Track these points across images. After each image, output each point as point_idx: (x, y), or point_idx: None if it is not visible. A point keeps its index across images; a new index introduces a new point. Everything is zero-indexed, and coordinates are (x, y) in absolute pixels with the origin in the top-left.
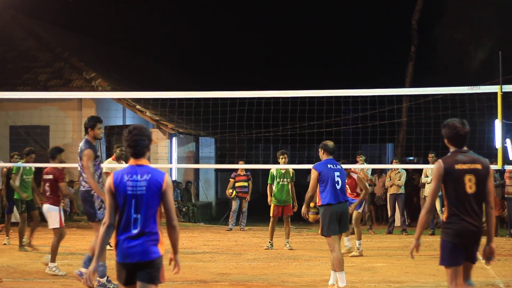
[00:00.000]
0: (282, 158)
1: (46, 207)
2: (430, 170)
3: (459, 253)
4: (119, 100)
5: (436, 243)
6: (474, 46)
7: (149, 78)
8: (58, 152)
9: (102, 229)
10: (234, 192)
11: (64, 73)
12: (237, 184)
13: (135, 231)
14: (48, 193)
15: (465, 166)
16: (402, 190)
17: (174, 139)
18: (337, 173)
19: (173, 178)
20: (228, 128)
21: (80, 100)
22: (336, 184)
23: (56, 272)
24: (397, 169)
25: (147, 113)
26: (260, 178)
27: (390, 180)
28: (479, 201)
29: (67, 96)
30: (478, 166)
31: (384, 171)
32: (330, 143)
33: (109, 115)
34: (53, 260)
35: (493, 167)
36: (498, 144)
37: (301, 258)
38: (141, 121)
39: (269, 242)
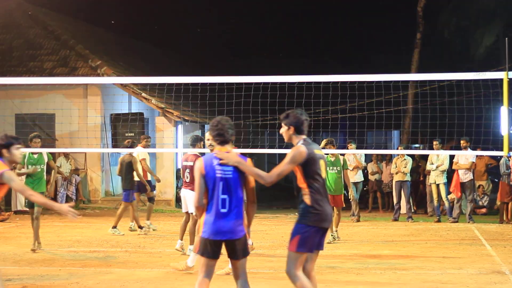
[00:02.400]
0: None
1: (186, 192)
2: (436, 157)
3: (316, 238)
4: (124, 87)
5: (442, 230)
6: (480, 32)
7: (155, 66)
8: (199, 141)
9: (197, 209)
10: None
11: (69, 61)
12: None
13: (223, 210)
14: (188, 179)
15: (318, 152)
16: (407, 178)
17: (179, 126)
18: None
19: (178, 165)
20: (234, 114)
21: (85, 87)
22: None
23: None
24: (403, 156)
25: (152, 101)
26: (266, 166)
27: (396, 167)
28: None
29: (72, 81)
30: (322, 153)
31: (391, 158)
32: None
33: (115, 102)
34: (192, 242)
35: (499, 153)
36: (504, 131)
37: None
38: (146, 108)
39: (331, 234)
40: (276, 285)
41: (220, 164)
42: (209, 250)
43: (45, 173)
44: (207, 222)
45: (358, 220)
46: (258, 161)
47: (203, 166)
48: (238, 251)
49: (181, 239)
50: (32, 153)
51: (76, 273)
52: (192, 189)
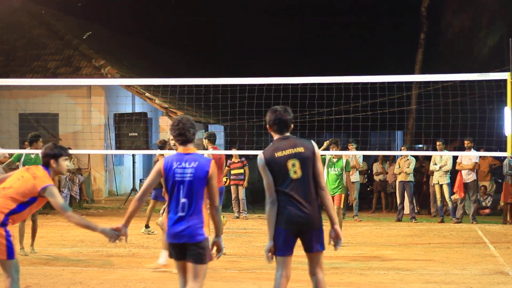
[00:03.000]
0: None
1: None
2: (439, 158)
3: (287, 241)
4: (128, 87)
5: (446, 230)
6: (484, 33)
7: (159, 66)
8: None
9: (134, 202)
10: (228, 180)
11: (73, 60)
12: (232, 172)
13: (182, 214)
14: None
15: (286, 153)
16: (410, 178)
17: None
18: None
19: None
20: (238, 115)
21: (89, 87)
22: None
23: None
24: (406, 156)
25: (156, 101)
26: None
27: (399, 167)
28: (306, 185)
29: (76, 82)
30: (300, 150)
31: (395, 159)
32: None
33: (118, 103)
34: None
35: (502, 154)
36: (507, 131)
37: None
38: (150, 108)
39: None
40: None
41: (181, 167)
42: (173, 253)
43: None
44: (168, 225)
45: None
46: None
47: (163, 167)
48: (195, 256)
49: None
50: (29, 153)
51: (79, 272)
52: None
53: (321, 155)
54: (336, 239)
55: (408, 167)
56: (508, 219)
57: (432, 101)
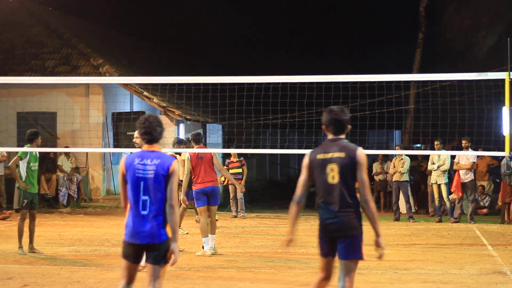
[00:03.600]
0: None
1: None
2: (437, 157)
3: (323, 245)
4: (126, 86)
5: (444, 230)
6: (482, 33)
7: (157, 65)
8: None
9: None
10: (225, 179)
11: (71, 59)
12: (231, 171)
13: (144, 212)
14: None
15: (327, 156)
16: (405, 177)
17: (181, 125)
18: None
19: None
20: (236, 114)
21: (87, 86)
22: None
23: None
24: (401, 156)
25: (154, 100)
26: (267, 165)
27: (394, 167)
28: (342, 192)
29: (74, 81)
30: (341, 155)
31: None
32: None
33: (116, 101)
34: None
35: (500, 154)
36: (505, 131)
37: (308, 245)
38: (148, 107)
39: None
40: (276, 284)
41: (142, 163)
42: (130, 254)
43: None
44: (128, 224)
45: None
46: (260, 160)
47: (124, 165)
48: (157, 256)
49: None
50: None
51: (77, 271)
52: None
53: None
54: (378, 251)
55: (402, 167)
56: (506, 219)
57: (430, 100)
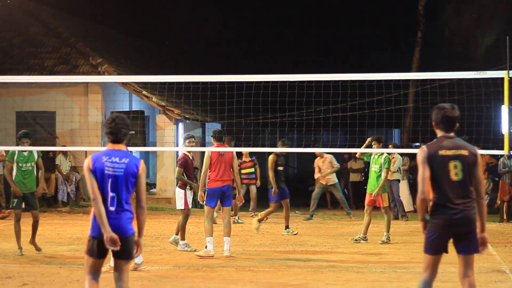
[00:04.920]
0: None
1: (177, 190)
2: None
3: (441, 243)
4: (125, 85)
5: None
6: (481, 31)
7: (156, 64)
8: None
9: (95, 205)
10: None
11: (70, 58)
12: (243, 171)
13: (112, 208)
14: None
15: (449, 152)
16: (396, 176)
17: (180, 124)
18: None
19: None
20: (235, 112)
21: (86, 85)
22: None
23: (186, 249)
24: (393, 154)
25: (153, 99)
26: (265, 164)
27: None
28: (466, 188)
29: (73, 80)
30: (464, 152)
31: None
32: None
33: (115, 100)
34: (182, 238)
35: (499, 152)
36: (504, 129)
37: (307, 244)
38: (147, 106)
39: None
40: (276, 283)
41: (110, 161)
42: (96, 249)
43: (35, 171)
44: (94, 219)
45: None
46: (259, 159)
47: (91, 162)
48: (124, 250)
49: (183, 239)
50: (22, 151)
51: (76, 270)
52: (181, 187)
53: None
54: (483, 246)
55: (392, 165)
56: (504, 218)
57: (429, 99)
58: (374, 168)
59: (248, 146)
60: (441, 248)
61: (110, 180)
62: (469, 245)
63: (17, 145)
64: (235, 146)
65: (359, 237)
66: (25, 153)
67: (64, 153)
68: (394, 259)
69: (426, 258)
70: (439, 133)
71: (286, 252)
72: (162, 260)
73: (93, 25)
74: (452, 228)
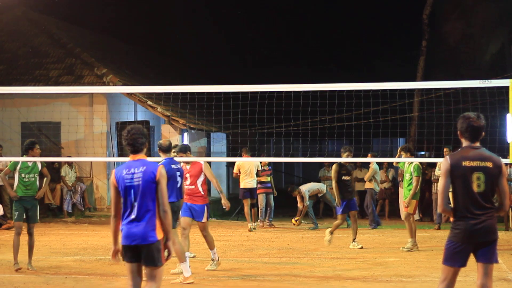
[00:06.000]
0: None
1: None
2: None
3: (462, 254)
4: (130, 95)
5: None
6: (485, 40)
7: (161, 74)
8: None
9: (111, 220)
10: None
11: (75, 69)
12: (261, 179)
13: (133, 217)
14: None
15: (473, 164)
16: (372, 185)
17: (185, 134)
18: (178, 173)
19: None
20: (240, 122)
21: (91, 96)
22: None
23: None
24: (372, 163)
25: (158, 109)
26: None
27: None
28: (488, 200)
29: (78, 90)
30: (489, 164)
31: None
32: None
33: (120, 111)
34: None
35: (504, 161)
36: (510, 138)
37: (313, 253)
38: (152, 116)
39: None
40: None
41: (130, 173)
42: (127, 255)
43: (37, 181)
44: (122, 228)
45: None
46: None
47: (114, 178)
48: (149, 257)
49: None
50: (27, 161)
51: (82, 281)
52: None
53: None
54: None
55: (367, 175)
56: (510, 226)
57: (434, 108)
58: (406, 177)
59: (253, 156)
60: (461, 260)
61: (132, 190)
62: (491, 254)
63: (26, 154)
64: (239, 155)
65: (409, 245)
66: (30, 164)
67: (69, 164)
68: (400, 268)
69: (445, 269)
70: (464, 143)
71: (292, 262)
72: (168, 270)
73: (98, 36)
74: (474, 238)
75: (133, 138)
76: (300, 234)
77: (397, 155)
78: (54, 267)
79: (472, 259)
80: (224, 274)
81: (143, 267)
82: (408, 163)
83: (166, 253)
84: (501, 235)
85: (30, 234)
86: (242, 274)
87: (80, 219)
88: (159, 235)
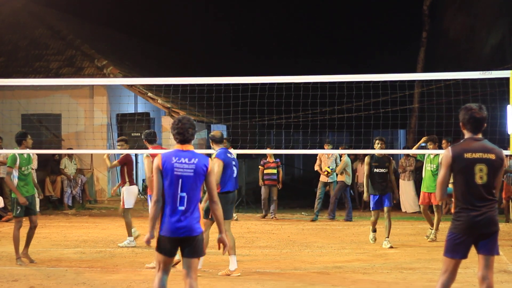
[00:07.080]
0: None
1: None
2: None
3: (463, 246)
4: (130, 87)
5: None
6: (486, 31)
7: (161, 66)
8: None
9: (151, 205)
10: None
11: (75, 60)
12: (266, 171)
13: (181, 208)
14: None
15: (476, 155)
16: (342, 178)
17: None
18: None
19: None
20: (240, 114)
21: (91, 87)
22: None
23: (133, 244)
24: (344, 155)
25: (158, 101)
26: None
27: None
28: (490, 191)
29: (78, 82)
30: (492, 156)
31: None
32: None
33: (120, 103)
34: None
35: (505, 152)
36: (510, 129)
37: (313, 245)
38: (152, 108)
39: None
40: (282, 285)
41: (180, 162)
42: (167, 248)
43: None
44: (165, 219)
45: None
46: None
47: (161, 162)
48: (194, 248)
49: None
50: (22, 154)
51: (82, 273)
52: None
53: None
54: None
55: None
56: (510, 218)
57: (434, 99)
58: (429, 167)
59: (254, 147)
60: (462, 252)
61: (180, 180)
62: (492, 246)
63: (20, 145)
64: (241, 148)
65: (432, 235)
66: (25, 156)
67: (70, 156)
68: (401, 260)
69: (446, 261)
70: (467, 134)
71: (292, 254)
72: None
73: (98, 27)
74: (475, 230)
75: (184, 128)
76: (301, 226)
77: (416, 146)
78: (55, 259)
79: (473, 251)
80: (225, 266)
81: (183, 260)
82: (433, 154)
83: (221, 246)
84: (502, 227)
85: (35, 227)
86: (243, 266)
87: (80, 211)
88: (203, 226)
